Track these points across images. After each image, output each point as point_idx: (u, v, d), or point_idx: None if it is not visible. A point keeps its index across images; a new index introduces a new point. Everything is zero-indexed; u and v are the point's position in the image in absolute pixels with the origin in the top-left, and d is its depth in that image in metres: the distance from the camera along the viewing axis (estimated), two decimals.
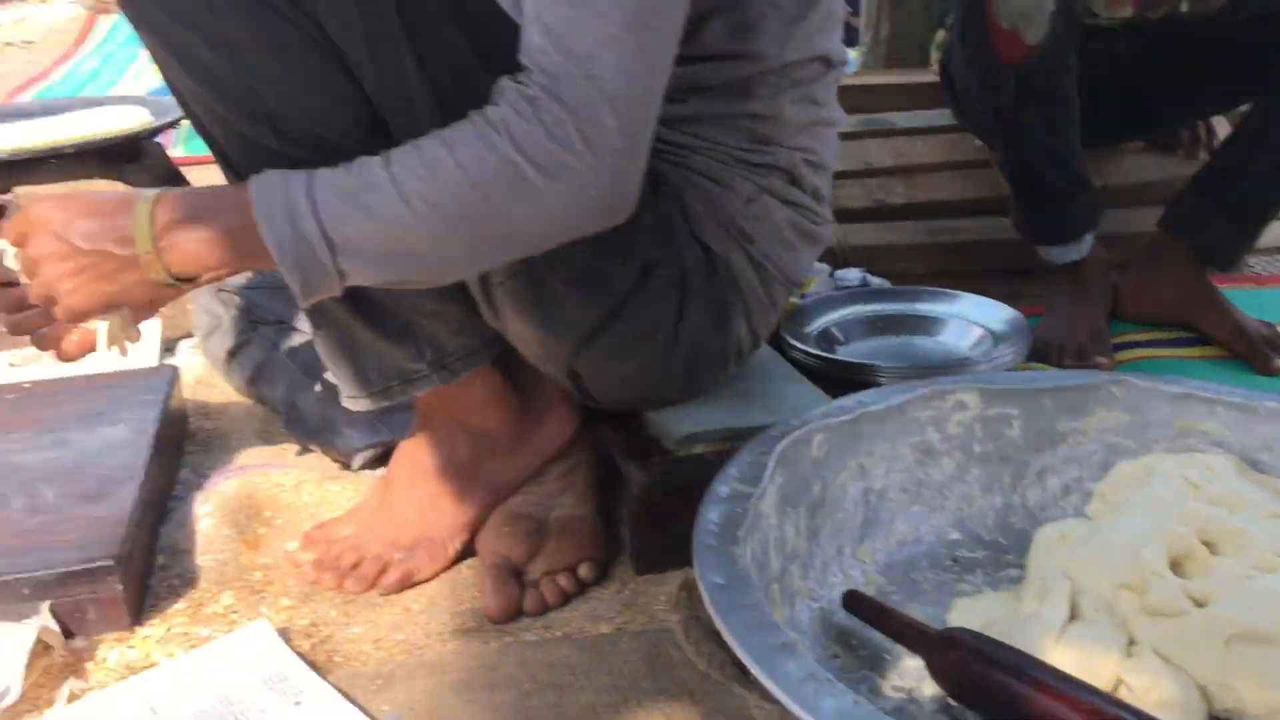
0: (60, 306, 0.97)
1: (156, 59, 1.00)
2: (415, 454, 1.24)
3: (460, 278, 1.03)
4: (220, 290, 1.64)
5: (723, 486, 1.01)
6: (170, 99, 2.02)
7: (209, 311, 1.65)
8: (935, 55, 2.08)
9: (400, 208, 0.88)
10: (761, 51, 1.07)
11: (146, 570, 1.21)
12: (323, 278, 0.91)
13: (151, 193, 0.95)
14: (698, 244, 1.12)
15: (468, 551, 1.23)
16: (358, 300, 1.11)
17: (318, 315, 1.15)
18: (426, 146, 0.89)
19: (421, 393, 1.16)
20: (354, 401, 1.18)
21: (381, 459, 1.44)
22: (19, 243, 1.00)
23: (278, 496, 1.36)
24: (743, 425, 1.18)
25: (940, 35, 2.06)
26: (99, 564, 1.11)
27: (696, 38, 1.04)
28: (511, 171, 0.86)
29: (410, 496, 1.23)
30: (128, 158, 2.02)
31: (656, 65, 0.88)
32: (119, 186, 1.12)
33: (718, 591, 0.86)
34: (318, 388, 1.52)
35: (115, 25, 4.30)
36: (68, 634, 1.11)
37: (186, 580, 1.21)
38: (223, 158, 1.03)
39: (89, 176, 1.92)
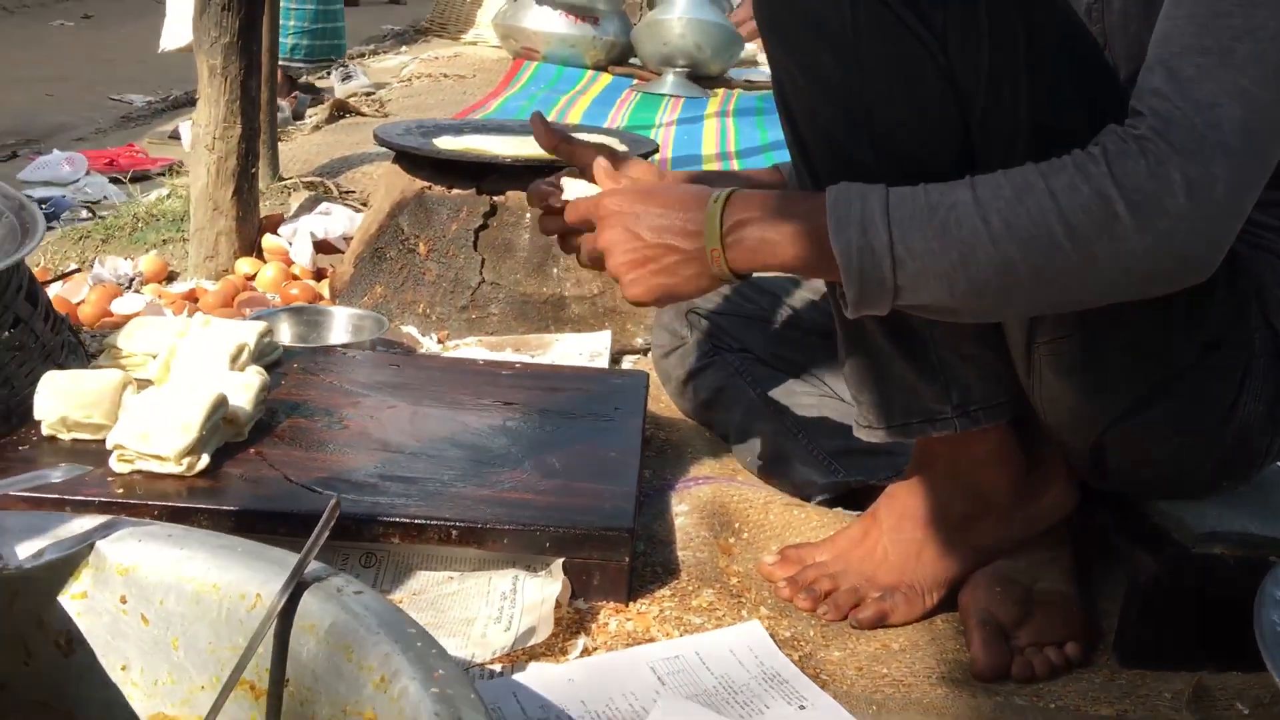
0: (623, 292, 1.04)
1: (771, 55, 1.05)
2: (907, 498, 1.24)
3: (1011, 317, 1.02)
4: (689, 312, 1.72)
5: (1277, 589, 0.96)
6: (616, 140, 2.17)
7: (671, 331, 1.72)
8: None
9: (976, 224, 0.87)
10: None
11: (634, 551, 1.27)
12: (878, 291, 0.92)
13: (723, 192, 1.01)
14: (1268, 328, 1.07)
15: (942, 606, 1.22)
16: (899, 331, 1.13)
17: (854, 340, 1.17)
18: (1018, 172, 0.89)
19: (939, 434, 1.17)
20: (869, 432, 1.20)
21: (837, 499, 1.47)
22: (587, 226, 1.09)
23: (746, 512, 1.40)
24: (1270, 535, 1.12)
25: None
26: (613, 531, 1.18)
27: None
28: (1102, 205, 0.84)
29: (895, 539, 1.24)
30: None
31: (1277, 130, 0.84)
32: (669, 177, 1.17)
33: None
34: (777, 424, 1.55)
35: (538, 69, 4.64)
36: (572, 594, 1.18)
37: (669, 570, 1.26)
38: (804, 158, 1.06)
39: None
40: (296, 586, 0.79)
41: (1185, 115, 0.83)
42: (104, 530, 0.86)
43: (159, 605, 0.82)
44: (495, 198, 2.10)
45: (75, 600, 0.85)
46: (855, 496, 1.43)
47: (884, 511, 1.26)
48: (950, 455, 1.20)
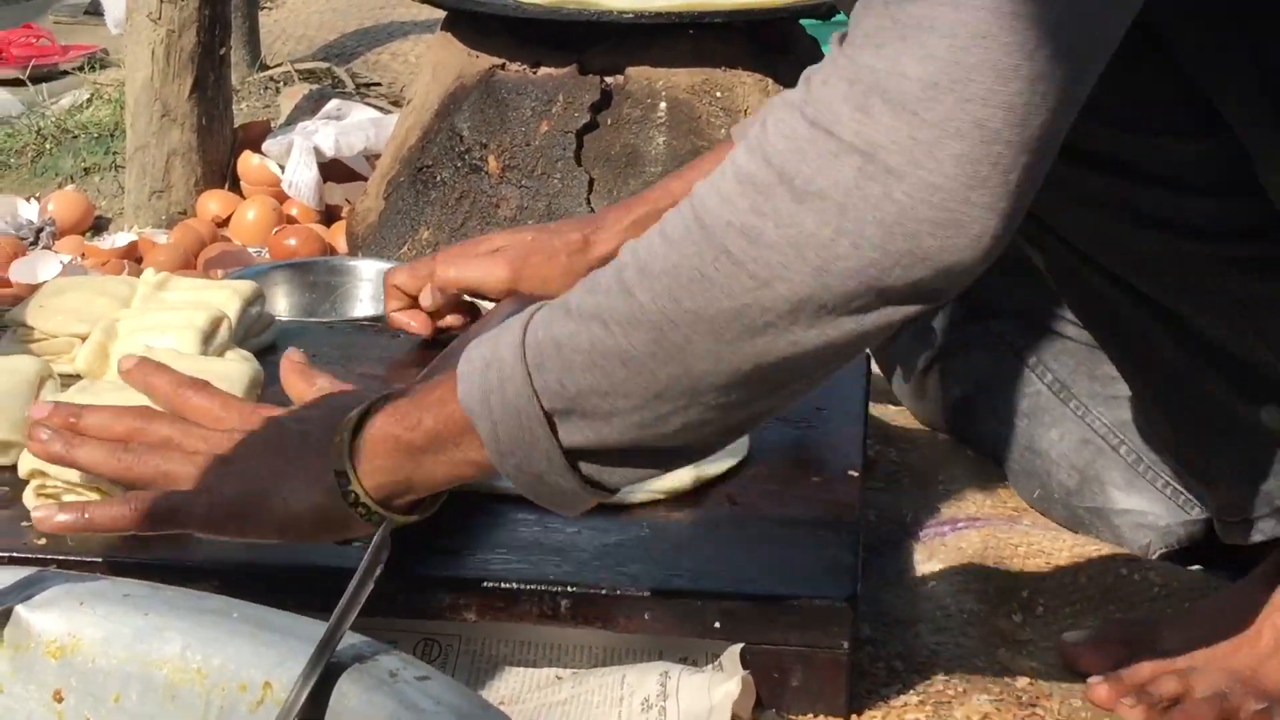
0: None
1: None
2: None
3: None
4: None
5: None
6: None
7: None
8: None
9: (613, 282, 0.98)
10: None
11: None
12: (538, 454, 1.01)
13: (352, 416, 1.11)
14: None
15: None
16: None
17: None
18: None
19: None
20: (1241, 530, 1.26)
21: (1190, 552, 1.45)
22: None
23: (1040, 572, 1.41)
24: None
25: None
26: (824, 601, 1.18)
27: None
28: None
29: None
30: (779, 46, 2.18)
31: None
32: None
33: None
34: (1080, 430, 1.54)
35: None
36: (757, 702, 1.18)
37: (913, 664, 1.27)
38: None
39: (731, 62, 2.08)
40: (327, 670, 0.81)
41: None
42: (25, 588, 0.90)
43: (113, 704, 0.85)
44: (609, 79, 2.13)
45: None
46: (1220, 550, 1.41)
47: (1277, 578, 1.25)
48: None
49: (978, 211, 0.90)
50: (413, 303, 1.57)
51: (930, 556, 1.41)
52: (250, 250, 2.38)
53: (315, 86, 2.89)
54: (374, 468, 1.08)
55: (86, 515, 1.13)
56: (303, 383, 1.28)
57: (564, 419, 1.00)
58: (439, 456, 1.07)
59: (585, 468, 1.02)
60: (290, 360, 1.31)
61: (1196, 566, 1.44)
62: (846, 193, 0.90)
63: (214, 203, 2.51)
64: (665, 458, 1.04)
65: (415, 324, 1.58)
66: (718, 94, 2.13)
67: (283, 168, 2.57)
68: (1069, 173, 1.13)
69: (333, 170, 2.60)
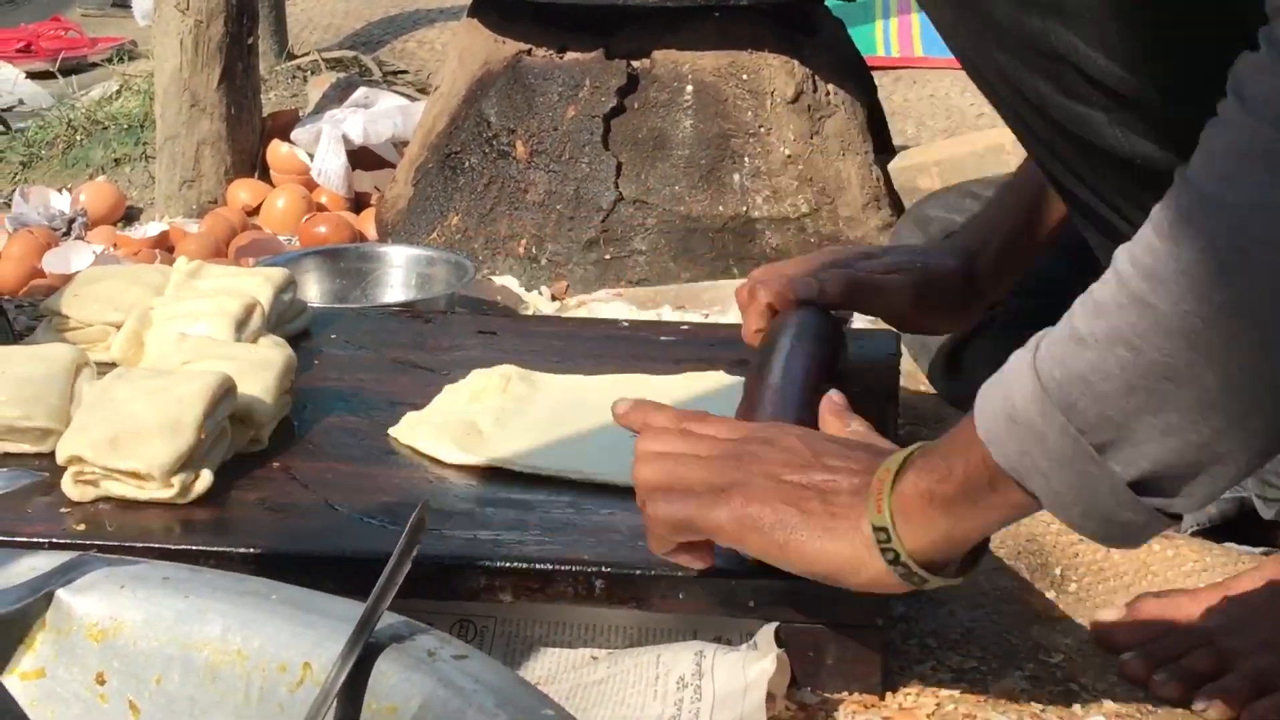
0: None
1: None
2: None
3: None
4: (950, 237, 1.72)
5: None
6: None
7: None
8: None
9: (1121, 298, 0.93)
10: None
11: None
12: (1102, 493, 0.96)
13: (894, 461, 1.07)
14: None
15: None
16: None
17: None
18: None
19: None
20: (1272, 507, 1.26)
21: (1223, 528, 1.46)
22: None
23: (1074, 549, 1.41)
24: None
25: None
26: None
27: None
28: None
29: None
30: (804, 28, 2.18)
31: None
32: None
33: None
34: None
35: None
36: (792, 680, 1.19)
37: (946, 641, 1.27)
38: None
39: (757, 44, 2.08)
40: (365, 650, 0.82)
41: None
42: (66, 572, 0.91)
43: (155, 685, 0.86)
44: (635, 63, 2.13)
45: (27, 682, 0.89)
46: (1253, 527, 1.42)
47: None
48: None
49: None
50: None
51: None
52: (280, 238, 2.39)
53: (342, 75, 2.90)
54: (911, 523, 1.04)
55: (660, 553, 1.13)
56: (838, 422, 1.23)
57: (1117, 450, 0.95)
58: (977, 505, 1.02)
59: (1151, 500, 0.97)
60: (832, 401, 1.25)
61: (1229, 543, 1.43)
62: None
63: (244, 191, 2.51)
64: (1235, 471, 0.97)
65: None
66: (744, 76, 2.13)
67: (311, 156, 2.58)
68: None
69: (361, 158, 2.60)
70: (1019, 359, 0.99)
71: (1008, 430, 0.98)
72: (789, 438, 1.13)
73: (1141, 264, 0.93)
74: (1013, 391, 0.98)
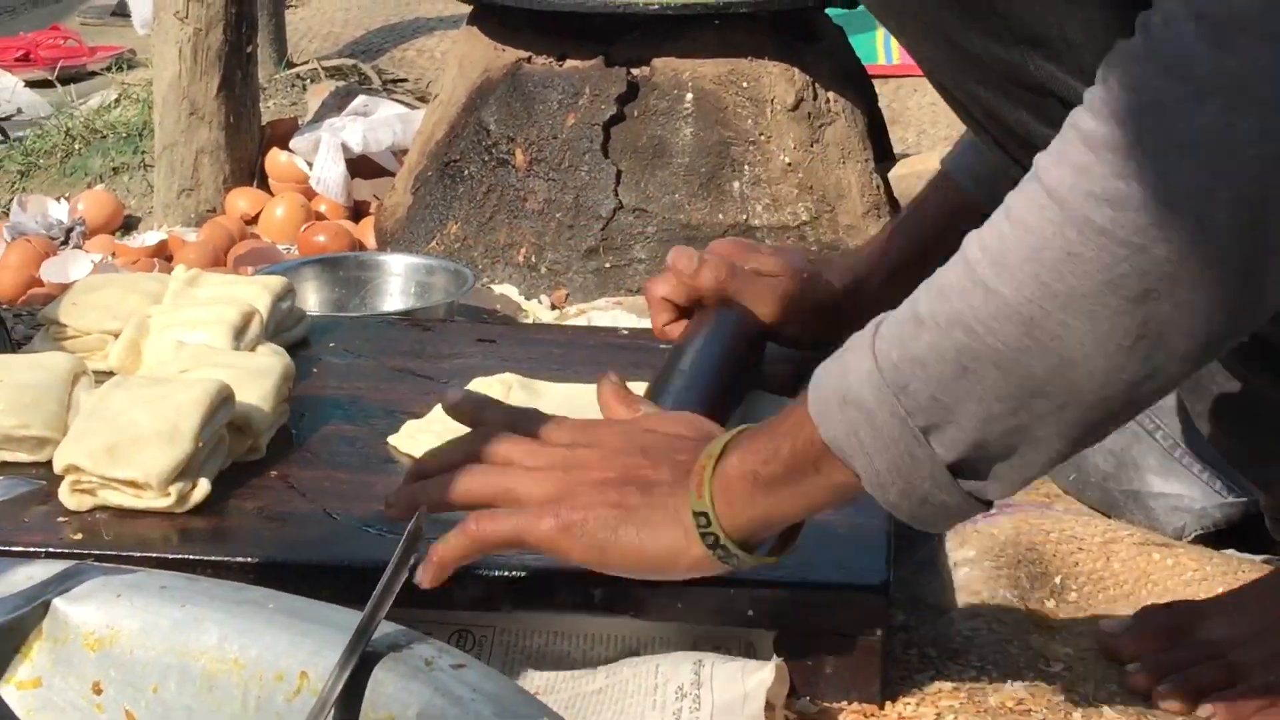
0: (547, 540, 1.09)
1: None
2: None
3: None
4: None
5: None
6: None
7: None
8: None
9: (966, 282, 0.95)
10: None
11: None
12: (922, 475, 0.98)
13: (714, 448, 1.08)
14: None
15: None
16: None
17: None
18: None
19: None
20: None
21: (1225, 534, 1.45)
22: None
23: (1073, 556, 1.40)
24: None
25: None
26: (857, 590, 1.18)
27: None
28: None
29: None
30: (804, 36, 2.18)
31: None
32: None
33: None
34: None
35: None
36: (791, 689, 1.19)
37: (946, 650, 1.27)
38: None
39: (757, 52, 2.09)
40: (362, 659, 0.82)
41: None
42: (63, 581, 0.90)
43: (152, 695, 0.86)
44: (635, 70, 2.13)
45: (24, 691, 0.89)
46: (1254, 533, 1.42)
47: None
48: None
49: None
50: (682, 314, 1.50)
51: (963, 543, 1.40)
52: (279, 247, 2.39)
53: (342, 83, 2.90)
54: (733, 506, 1.05)
55: (436, 557, 1.08)
56: (625, 409, 1.22)
57: (939, 433, 0.97)
58: (799, 486, 1.04)
59: (966, 483, 0.99)
60: (611, 384, 1.24)
61: (1230, 550, 1.43)
62: (1217, 135, 0.88)
63: (243, 200, 2.51)
64: (1046, 458, 0.99)
65: None
66: (744, 84, 2.12)
67: (310, 164, 2.58)
68: None
69: (360, 166, 2.60)
70: (859, 339, 1.01)
71: (839, 410, 0.99)
72: (612, 436, 1.14)
73: (990, 249, 0.94)
74: (849, 371, 1.00)
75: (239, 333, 1.50)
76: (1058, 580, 1.38)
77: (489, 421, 1.18)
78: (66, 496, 1.26)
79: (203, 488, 1.27)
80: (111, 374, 1.47)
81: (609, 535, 1.07)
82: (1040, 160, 0.93)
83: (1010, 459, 0.98)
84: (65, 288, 1.92)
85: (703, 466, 1.05)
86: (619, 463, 1.10)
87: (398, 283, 2.03)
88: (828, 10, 2.29)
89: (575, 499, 1.08)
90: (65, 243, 2.48)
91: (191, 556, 1.20)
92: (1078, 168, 0.90)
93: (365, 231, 2.42)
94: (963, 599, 1.33)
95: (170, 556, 1.20)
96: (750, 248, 1.53)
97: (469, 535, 1.08)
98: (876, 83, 2.45)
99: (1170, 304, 0.90)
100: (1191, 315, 0.91)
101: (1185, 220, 0.88)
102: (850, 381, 0.99)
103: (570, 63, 2.15)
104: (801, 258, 1.54)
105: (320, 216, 2.50)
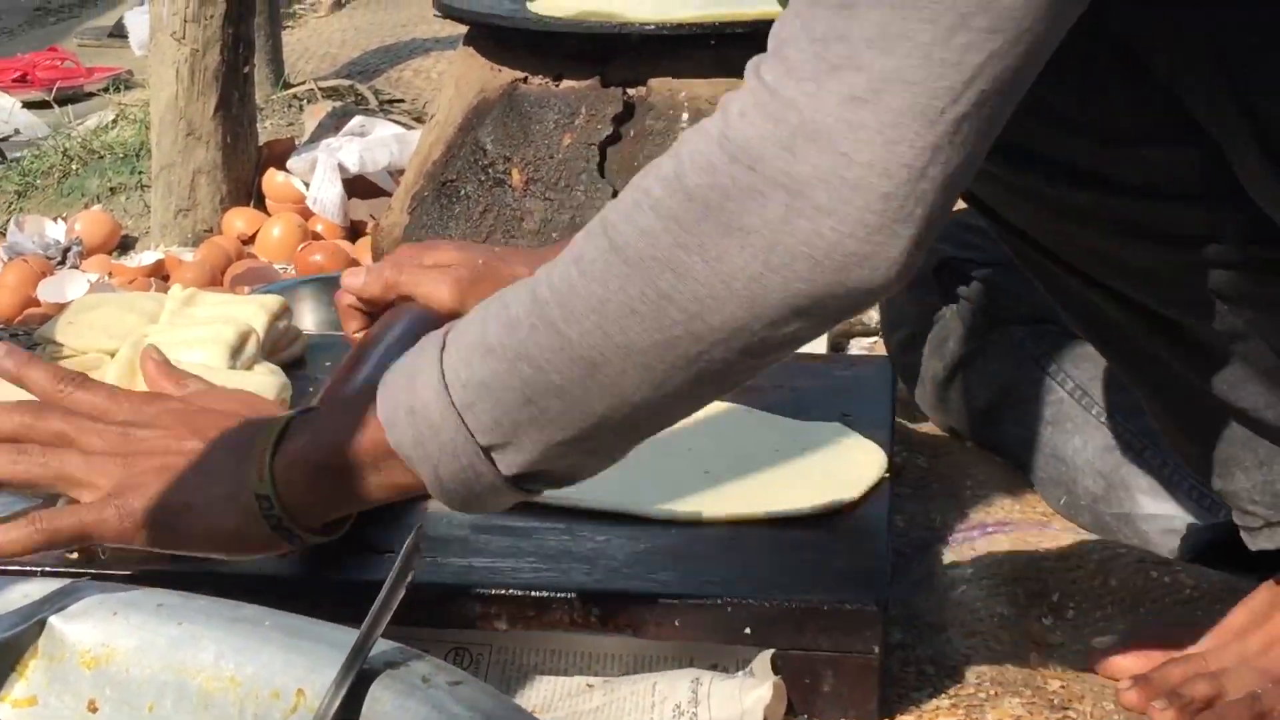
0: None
1: None
2: None
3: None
4: (941, 269, 1.71)
5: None
6: None
7: (916, 301, 1.72)
8: None
9: (535, 319, 1.00)
10: None
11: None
12: (484, 485, 1.03)
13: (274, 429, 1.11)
14: None
15: None
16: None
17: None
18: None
19: None
20: (1260, 537, 1.26)
21: (1218, 553, 1.45)
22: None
23: (1070, 576, 1.41)
24: None
25: None
26: (854, 607, 1.17)
27: None
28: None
29: None
30: None
31: None
32: None
33: None
34: (1103, 436, 1.54)
35: None
36: (789, 707, 1.18)
37: (944, 669, 1.27)
38: None
39: None
40: (359, 676, 0.82)
41: None
42: (59, 599, 0.90)
43: (148, 713, 0.86)
44: (631, 90, 2.13)
45: (19, 709, 0.89)
46: (1248, 552, 1.37)
47: None
48: None
49: (902, 243, 0.93)
50: (371, 319, 1.50)
51: (960, 561, 1.41)
52: (276, 266, 2.39)
53: (338, 104, 2.91)
54: (294, 490, 1.08)
55: None
56: (172, 385, 1.24)
57: (502, 451, 1.02)
58: (362, 481, 1.07)
59: (523, 488, 1.05)
60: (153, 360, 1.27)
61: (1224, 570, 1.43)
62: (775, 228, 0.93)
63: (240, 220, 2.52)
64: (608, 464, 1.08)
65: None
66: None
67: (307, 185, 2.58)
68: (1053, 191, 1.15)
69: (357, 186, 2.61)
70: (427, 352, 1.04)
71: (407, 419, 1.03)
72: (168, 416, 1.14)
73: (559, 292, 0.99)
74: (417, 383, 1.03)
75: (235, 352, 1.50)
76: (1055, 598, 1.38)
77: (33, 383, 1.18)
78: None
79: None
80: None
81: (174, 521, 1.10)
82: (610, 215, 0.99)
83: (564, 477, 1.06)
84: (62, 307, 1.92)
85: (263, 450, 1.08)
86: (177, 446, 1.12)
87: None
88: None
89: (136, 488, 1.10)
90: (62, 262, 2.49)
91: (187, 572, 1.20)
92: (643, 230, 0.96)
93: (362, 251, 2.43)
94: (960, 617, 1.33)
95: (166, 572, 1.20)
96: (429, 246, 1.55)
97: (36, 528, 1.09)
98: None
99: (722, 361, 0.98)
100: (738, 367, 0.99)
101: (738, 297, 0.95)
102: (418, 393, 1.03)
103: (566, 83, 2.16)
104: (486, 249, 1.55)
105: (317, 236, 2.51)
